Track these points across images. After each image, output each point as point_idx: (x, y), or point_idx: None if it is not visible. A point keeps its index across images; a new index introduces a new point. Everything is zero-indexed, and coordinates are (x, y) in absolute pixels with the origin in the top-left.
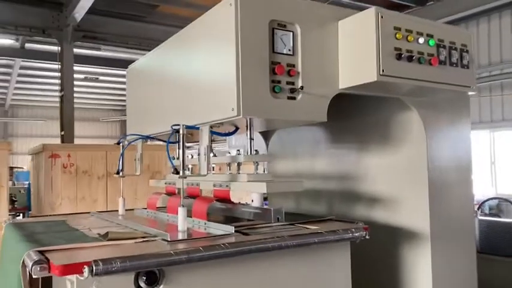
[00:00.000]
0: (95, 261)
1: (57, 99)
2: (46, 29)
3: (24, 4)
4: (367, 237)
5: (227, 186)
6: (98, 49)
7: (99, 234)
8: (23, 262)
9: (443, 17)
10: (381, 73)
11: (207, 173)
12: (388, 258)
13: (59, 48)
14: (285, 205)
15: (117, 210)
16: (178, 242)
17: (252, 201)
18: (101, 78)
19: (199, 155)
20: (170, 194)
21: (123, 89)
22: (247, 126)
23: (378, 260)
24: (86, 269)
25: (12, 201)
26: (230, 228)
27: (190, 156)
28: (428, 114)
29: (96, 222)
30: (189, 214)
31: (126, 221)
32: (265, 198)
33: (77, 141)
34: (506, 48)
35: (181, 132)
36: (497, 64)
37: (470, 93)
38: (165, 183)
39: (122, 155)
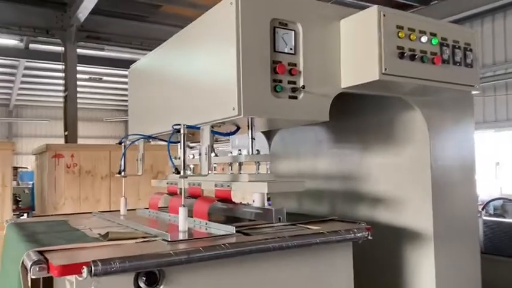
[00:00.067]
0: (93, 261)
1: (61, 100)
2: (50, 29)
3: (28, 4)
4: (369, 237)
5: (228, 186)
6: (102, 49)
7: (99, 234)
8: (23, 262)
9: (447, 17)
10: (383, 72)
11: (208, 173)
12: (391, 258)
13: (63, 48)
14: (287, 205)
15: (120, 210)
16: (179, 242)
17: (254, 201)
18: (105, 78)
19: (200, 154)
20: (172, 194)
21: (127, 89)
22: (248, 126)
23: (381, 261)
24: (85, 270)
25: (16, 201)
26: (231, 229)
27: (192, 156)
28: (431, 113)
29: (97, 222)
30: (191, 214)
31: (128, 221)
32: (269, 199)
33: (80, 141)
34: (510, 48)
35: (182, 132)
36: (502, 63)
37: (474, 92)
38: (167, 183)
39: (124, 154)
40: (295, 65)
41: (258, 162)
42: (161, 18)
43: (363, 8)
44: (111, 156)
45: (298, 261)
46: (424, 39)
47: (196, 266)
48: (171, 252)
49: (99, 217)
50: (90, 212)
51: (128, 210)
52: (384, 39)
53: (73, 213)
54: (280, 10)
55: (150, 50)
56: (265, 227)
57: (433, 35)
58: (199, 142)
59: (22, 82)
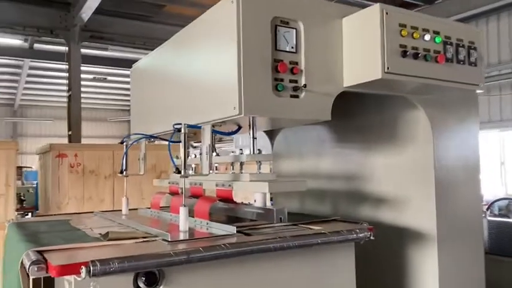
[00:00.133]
0: (92, 261)
1: (66, 99)
2: (54, 29)
3: (32, 4)
4: (371, 238)
5: (230, 186)
6: (105, 49)
7: (100, 234)
8: (22, 262)
9: (452, 16)
10: (385, 71)
11: (209, 173)
12: (394, 258)
13: (67, 48)
14: (289, 205)
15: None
16: (179, 242)
17: (255, 201)
18: (109, 78)
19: (201, 154)
20: (173, 193)
21: None
22: (250, 125)
23: (384, 261)
24: (83, 270)
25: (20, 201)
26: (232, 229)
27: (193, 156)
28: (435, 112)
29: (98, 222)
30: (193, 214)
31: (129, 220)
32: (272, 198)
33: (85, 141)
34: None
35: (183, 131)
36: (507, 62)
37: (478, 91)
38: (169, 183)
39: (126, 154)
40: (296, 63)
41: (260, 161)
42: (165, 18)
43: (365, 6)
44: (114, 156)
45: (300, 261)
46: (427, 37)
47: (196, 266)
48: (170, 252)
49: (101, 217)
50: (92, 212)
51: (130, 209)
52: (387, 37)
53: (75, 213)
54: (281, 8)
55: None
56: (267, 227)
57: (437, 33)
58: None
59: (27, 82)
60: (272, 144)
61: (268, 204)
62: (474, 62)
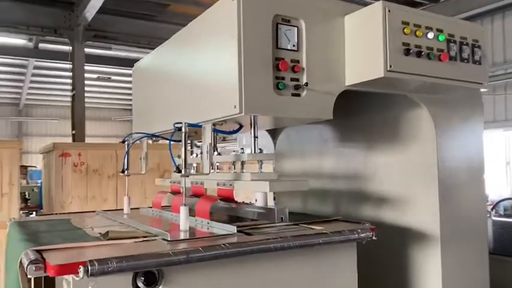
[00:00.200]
0: (90, 261)
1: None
2: (57, 28)
3: (36, 4)
4: (373, 238)
5: (231, 185)
6: (109, 48)
7: (100, 233)
8: (21, 261)
9: (457, 14)
10: (388, 69)
11: (210, 172)
12: (396, 259)
13: (71, 47)
14: (292, 205)
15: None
16: (178, 242)
17: (256, 200)
18: (114, 78)
19: (201, 153)
20: (175, 192)
21: None
22: (251, 124)
23: (386, 261)
24: (81, 269)
25: (25, 200)
26: (232, 228)
27: (195, 155)
28: (438, 111)
29: (100, 221)
30: (194, 213)
31: (130, 220)
32: (275, 198)
33: (89, 140)
34: None
35: (183, 130)
36: None
37: (482, 90)
38: (170, 182)
39: (127, 153)
40: (298, 61)
41: (261, 161)
42: (169, 17)
43: (367, 4)
44: (118, 155)
45: (301, 261)
46: (430, 35)
47: (196, 266)
48: (169, 252)
49: (102, 216)
50: (94, 211)
51: (132, 209)
52: (389, 35)
53: (77, 212)
54: (282, 6)
55: None
56: (267, 227)
57: (440, 31)
58: None
59: (32, 81)
60: (274, 144)
61: (270, 203)
62: (478, 61)
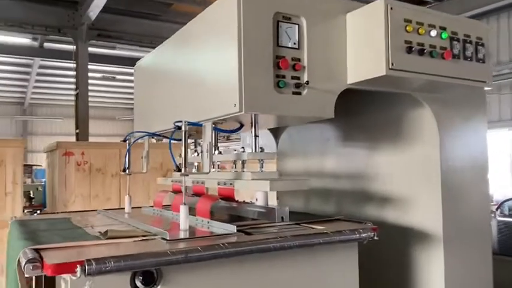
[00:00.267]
0: (87, 260)
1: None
2: (61, 27)
3: (40, 3)
4: (375, 238)
5: (231, 184)
6: (113, 48)
7: (99, 232)
8: (19, 260)
9: (463, 13)
10: (390, 67)
11: (210, 171)
12: (399, 259)
13: (75, 47)
14: (294, 204)
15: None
16: (178, 241)
17: (257, 199)
18: (118, 77)
19: (201, 151)
20: (176, 191)
21: None
22: (251, 123)
23: (389, 261)
24: (79, 269)
25: (29, 199)
26: (232, 228)
27: (196, 154)
28: (441, 110)
29: (100, 220)
30: (195, 212)
31: (131, 219)
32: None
33: (94, 139)
34: None
35: (183, 129)
36: None
37: (486, 88)
38: (172, 181)
39: (128, 152)
40: (299, 60)
41: (262, 160)
42: (172, 16)
43: (369, 1)
44: (121, 154)
45: (301, 261)
46: (433, 33)
47: (195, 266)
48: (167, 251)
49: (104, 215)
50: (95, 210)
51: (133, 208)
52: (391, 33)
53: (78, 211)
54: (283, 3)
55: None
56: (268, 227)
57: (443, 29)
58: None
59: (37, 81)
60: (277, 143)
61: (271, 203)
62: (482, 59)
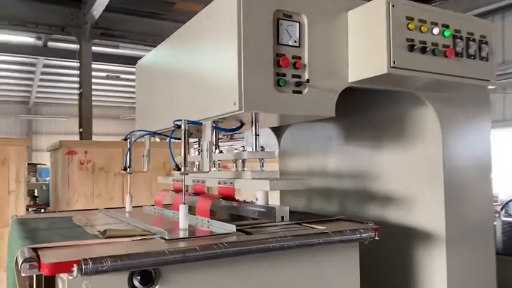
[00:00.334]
0: (84, 260)
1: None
2: (65, 26)
3: (44, 2)
4: (376, 238)
5: (231, 183)
6: (117, 47)
7: (99, 231)
8: (16, 259)
9: (468, 11)
10: (391, 65)
11: (210, 170)
12: (401, 258)
13: (78, 46)
14: (296, 204)
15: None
16: (176, 241)
17: (257, 199)
18: (122, 76)
19: (201, 151)
20: (177, 191)
21: None
22: (252, 122)
23: (391, 261)
24: (75, 268)
25: (33, 197)
26: (232, 227)
27: (197, 153)
28: (444, 109)
29: (101, 219)
30: (195, 212)
31: (131, 218)
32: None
33: (98, 138)
34: None
35: (183, 127)
36: None
37: (489, 87)
38: (173, 180)
39: (129, 151)
40: (299, 58)
41: (262, 159)
42: (175, 15)
43: None
44: (124, 153)
45: (301, 261)
46: (435, 31)
47: (193, 266)
48: (165, 250)
49: (104, 214)
50: (96, 209)
51: (135, 207)
52: (393, 31)
53: (79, 210)
54: (284, 1)
55: None
56: (268, 226)
57: (446, 26)
58: None
59: (41, 80)
60: (279, 142)
61: (274, 202)
62: (485, 57)
